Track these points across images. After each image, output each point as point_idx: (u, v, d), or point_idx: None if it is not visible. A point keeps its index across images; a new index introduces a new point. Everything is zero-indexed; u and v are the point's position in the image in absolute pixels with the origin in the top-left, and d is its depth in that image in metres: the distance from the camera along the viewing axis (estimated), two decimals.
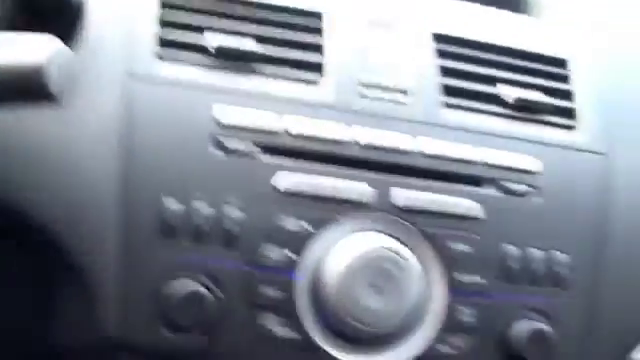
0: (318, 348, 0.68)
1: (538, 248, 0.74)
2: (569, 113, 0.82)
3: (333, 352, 0.69)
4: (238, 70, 0.74)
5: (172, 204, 0.68)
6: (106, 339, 0.68)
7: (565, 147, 0.79)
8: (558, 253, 0.74)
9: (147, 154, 0.70)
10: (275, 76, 0.74)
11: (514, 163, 0.76)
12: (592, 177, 0.79)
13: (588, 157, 0.79)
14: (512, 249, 0.73)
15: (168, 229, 0.68)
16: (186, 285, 0.67)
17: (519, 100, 0.79)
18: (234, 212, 0.69)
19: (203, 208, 0.68)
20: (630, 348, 0.80)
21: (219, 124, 0.71)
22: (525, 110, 0.79)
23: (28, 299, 0.78)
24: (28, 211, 0.68)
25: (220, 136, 0.70)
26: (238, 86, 0.73)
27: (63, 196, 0.69)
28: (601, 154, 0.80)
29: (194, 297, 0.66)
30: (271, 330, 0.68)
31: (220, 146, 0.70)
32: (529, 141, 0.77)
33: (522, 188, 0.75)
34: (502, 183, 0.75)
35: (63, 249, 0.69)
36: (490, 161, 0.75)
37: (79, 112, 0.70)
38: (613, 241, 0.77)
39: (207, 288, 0.67)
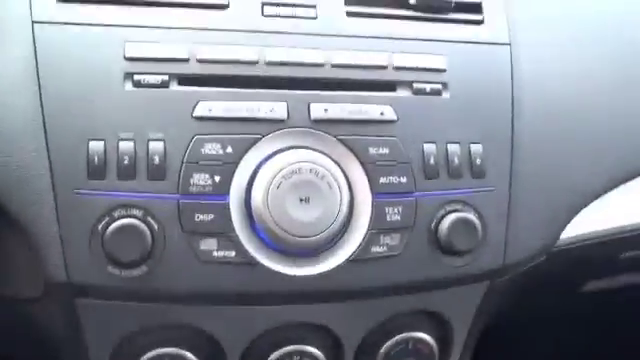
0: (256, 263, 0.72)
1: (453, 142, 0.77)
2: (476, 8, 0.84)
3: (271, 266, 0.72)
4: (143, 5, 0.74)
5: (95, 145, 0.70)
6: (56, 285, 0.70)
7: (471, 42, 0.81)
8: (472, 145, 0.78)
9: (63, 98, 0.71)
10: (181, 6, 0.75)
11: (422, 63, 0.78)
12: (497, 68, 0.82)
13: (493, 49, 0.82)
14: (429, 146, 0.76)
15: (95, 170, 0.69)
16: (121, 221, 0.69)
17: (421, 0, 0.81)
18: (157, 145, 0.70)
19: (126, 145, 0.70)
20: (550, 233, 0.84)
21: (130, 59, 0.72)
22: (429, 10, 0.81)
23: None
24: None
25: (133, 71, 0.71)
26: (145, 21, 0.74)
27: None
28: (505, 44, 0.83)
29: (130, 231, 0.68)
30: (210, 253, 0.71)
31: (134, 81, 0.71)
32: (434, 40, 0.80)
33: (432, 87, 0.78)
34: (413, 84, 0.77)
35: None
36: (398, 64, 0.77)
37: None
38: (521, 128, 0.81)
39: (142, 221, 0.69)
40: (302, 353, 0.78)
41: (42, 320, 0.78)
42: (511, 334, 1.22)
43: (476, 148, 0.78)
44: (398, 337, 0.81)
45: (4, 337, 0.91)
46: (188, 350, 0.76)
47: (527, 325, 1.25)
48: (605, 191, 0.87)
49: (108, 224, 0.69)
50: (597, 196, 0.86)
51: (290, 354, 0.78)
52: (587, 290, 1.01)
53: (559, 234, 0.84)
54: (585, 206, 0.86)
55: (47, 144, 0.70)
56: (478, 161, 0.78)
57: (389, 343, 0.81)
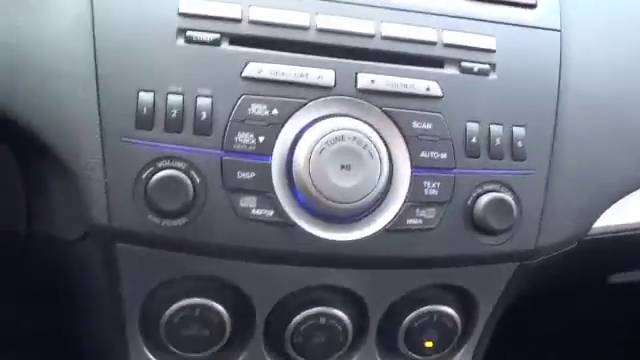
0: (293, 224, 0.73)
1: (496, 123, 0.77)
2: None
3: (307, 228, 0.73)
4: None
5: (144, 96, 0.71)
6: (96, 228, 0.73)
7: (521, 25, 0.81)
8: (515, 127, 0.78)
9: (116, 50, 0.72)
10: None
11: (471, 42, 0.78)
12: (546, 53, 0.81)
13: (543, 34, 0.82)
14: (472, 125, 0.77)
15: (142, 120, 0.71)
16: (165, 172, 0.70)
17: None
18: (205, 101, 0.72)
19: (175, 98, 0.71)
20: (584, 220, 0.84)
21: (184, 15, 0.73)
22: None
23: (19, 198, 0.81)
24: (9, 112, 0.71)
25: (185, 27, 0.72)
26: None
27: (42, 96, 0.72)
28: (556, 30, 0.82)
29: (173, 182, 0.70)
30: (249, 210, 0.72)
31: (186, 37, 0.72)
32: (486, 20, 0.80)
33: (480, 67, 0.78)
34: (461, 63, 0.78)
35: (45, 147, 0.72)
36: (448, 41, 0.77)
37: (49, 16, 0.72)
38: (565, 115, 0.81)
39: (185, 174, 0.71)
40: (328, 315, 0.80)
41: (80, 263, 0.80)
42: (530, 319, 1.23)
43: (519, 131, 0.78)
44: (423, 309, 0.82)
45: (40, 281, 0.94)
46: (219, 303, 0.78)
47: (547, 312, 1.26)
48: None
49: (152, 174, 0.70)
50: (635, 188, 0.86)
51: (317, 315, 0.80)
52: (614, 282, 1.01)
53: (593, 222, 0.84)
54: (621, 197, 0.86)
55: (98, 92, 0.71)
56: (520, 144, 0.78)
57: (414, 314, 0.82)
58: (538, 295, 0.94)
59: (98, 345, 0.88)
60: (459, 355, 0.88)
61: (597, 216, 0.85)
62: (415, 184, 0.75)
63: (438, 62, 0.78)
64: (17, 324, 1.17)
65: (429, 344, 0.84)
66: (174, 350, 0.79)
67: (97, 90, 0.71)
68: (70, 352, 1.02)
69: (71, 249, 0.79)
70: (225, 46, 0.73)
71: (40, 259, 0.86)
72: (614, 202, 0.86)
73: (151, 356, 0.82)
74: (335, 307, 0.80)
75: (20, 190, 0.80)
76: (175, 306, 0.77)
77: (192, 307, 0.78)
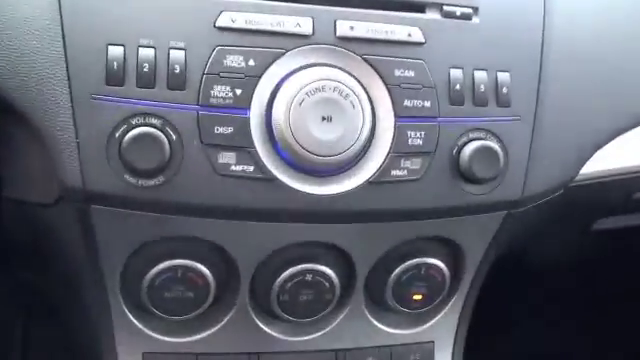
0: (274, 179, 0.71)
1: (480, 69, 0.75)
2: None
3: (289, 183, 0.71)
4: None
5: (114, 50, 0.68)
6: (70, 192, 0.70)
7: None
8: (499, 73, 0.76)
9: (82, 2, 0.69)
10: None
11: None
12: None
13: None
14: (455, 72, 0.75)
15: (113, 76, 0.68)
16: (139, 129, 0.68)
17: None
18: (178, 53, 0.69)
19: (146, 52, 0.68)
20: (570, 167, 0.83)
21: None
22: None
23: None
24: None
25: None
26: None
27: (6, 54, 0.68)
28: None
29: (148, 139, 0.67)
30: (228, 166, 0.70)
31: None
32: None
33: (462, 10, 0.76)
34: (442, 7, 0.75)
35: (12, 107, 0.69)
36: None
37: None
38: (550, 60, 0.79)
39: (160, 131, 0.68)
40: (315, 272, 0.78)
41: (56, 227, 0.77)
42: (518, 279, 1.23)
43: (503, 76, 0.76)
44: (411, 262, 0.81)
45: (19, 247, 0.92)
46: (202, 263, 0.76)
47: (535, 269, 1.26)
48: (626, 130, 0.86)
49: (126, 132, 0.68)
50: (618, 134, 0.85)
51: (303, 272, 0.78)
52: (598, 229, 1.01)
53: (579, 169, 0.83)
54: (606, 143, 0.85)
55: (65, 48, 0.68)
56: (504, 90, 0.76)
57: (401, 267, 0.81)
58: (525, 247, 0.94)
59: (80, 311, 0.85)
60: (447, 308, 0.88)
61: (583, 162, 0.84)
62: (399, 134, 0.73)
63: (419, 7, 0.75)
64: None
65: (417, 297, 0.83)
66: (158, 313, 0.78)
67: (64, 45, 0.68)
68: (54, 318, 1.01)
69: (45, 214, 0.76)
70: None
71: (14, 224, 0.83)
72: (600, 148, 0.85)
73: (134, 320, 0.80)
74: (321, 263, 0.79)
75: None
76: (156, 268, 0.75)
77: (174, 269, 0.76)
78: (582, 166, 0.84)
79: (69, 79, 0.68)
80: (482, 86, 0.75)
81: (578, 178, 0.84)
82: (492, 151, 0.75)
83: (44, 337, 1.20)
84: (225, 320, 0.81)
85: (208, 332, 0.81)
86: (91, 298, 0.80)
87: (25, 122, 0.69)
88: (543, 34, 0.79)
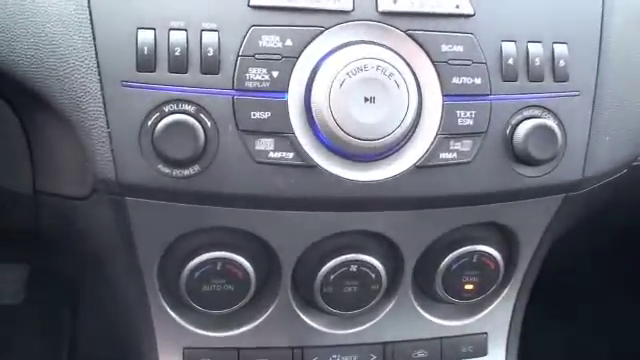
0: (315, 166, 0.67)
1: (534, 41, 0.70)
2: None
3: (331, 169, 0.68)
4: None
5: (144, 34, 0.65)
6: (103, 184, 0.68)
7: None
8: (555, 45, 0.71)
9: None
10: None
11: None
12: None
13: None
14: (507, 45, 0.70)
15: (144, 61, 0.65)
16: (172, 117, 0.65)
17: None
18: (211, 36, 0.65)
19: (177, 35, 0.65)
20: (633, 145, 0.77)
21: None
22: None
23: (22, 155, 0.76)
24: (3, 62, 0.66)
25: None
26: None
27: (36, 43, 0.66)
28: None
29: (182, 127, 0.64)
30: (266, 153, 0.66)
31: None
32: None
33: None
34: None
35: (43, 97, 0.67)
36: None
37: None
38: (610, 31, 0.74)
39: (194, 118, 0.65)
40: (360, 262, 0.75)
41: (91, 220, 0.75)
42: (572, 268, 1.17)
43: (560, 48, 0.71)
44: (462, 250, 0.77)
45: (56, 241, 0.91)
46: (241, 255, 0.73)
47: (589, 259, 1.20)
48: None
49: (158, 119, 0.65)
50: None
51: (347, 263, 0.74)
52: None
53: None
54: None
55: (94, 33, 0.65)
56: (562, 63, 0.71)
57: (452, 256, 0.77)
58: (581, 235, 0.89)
59: (121, 306, 0.84)
60: (501, 298, 0.83)
61: None
62: (447, 114, 0.68)
63: None
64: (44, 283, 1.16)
65: (469, 287, 0.79)
66: (198, 308, 0.75)
67: (92, 31, 0.65)
68: (99, 314, 1.00)
69: (80, 207, 0.74)
70: None
71: (50, 218, 0.82)
72: None
73: (174, 315, 0.78)
74: (366, 253, 0.75)
75: (22, 147, 0.75)
76: (194, 261, 0.73)
77: (213, 261, 0.73)
78: None
79: (98, 66, 0.65)
80: (537, 60, 0.70)
81: None
82: (549, 130, 0.70)
83: (91, 333, 1.21)
84: (267, 313, 0.78)
85: (250, 326, 0.78)
86: (129, 293, 0.78)
87: (55, 112, 0.67)
88: (603, 3, 0.73)
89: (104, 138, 0.66)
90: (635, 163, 0.78)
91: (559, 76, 0.71)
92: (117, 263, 0.77)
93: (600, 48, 0.73)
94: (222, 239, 0.73)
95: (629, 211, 0.93)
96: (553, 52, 0.71)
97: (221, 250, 0.73)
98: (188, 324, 0.78)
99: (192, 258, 0.73)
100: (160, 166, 0.66)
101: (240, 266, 0.73)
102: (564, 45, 0.71)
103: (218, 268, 0.73)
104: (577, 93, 0.72)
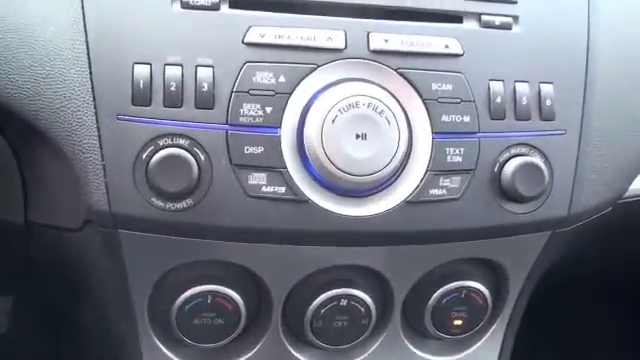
0: (307, 201, 0.68)
1: (522, 81, 0.72)
2: None
3: (323, 204, 0.68)
4: None
5: (140, 69, 0.66)
6: (96, 215, 0.68)
7: None
8: (542, 84, 0.72)
9: (107, 19, 0.67)
10: None
11: None
12: (574, 3, 0.76)
13: None
14: (495, 84, 0.71)
15: (139, 95, 0.66)
16: (167, 150, 0.65)
17: None
18: (206, 71, 0.66)
19: (173, 70, 0.66)
20: (619, 183, 0.79)
21: None
22: None
23: (15, 186, 0.76)
24: (6, 101, 0.66)
25: None
26: None
27: (33, 76, 0.67)
28: None
29: (176, 161, 0.65)
30: (259, 187, 0.67)
31: (182, 2, 0.67)
32: None
33: (502, 20, 0.72)
34: (481, 16, 0.72)
35: (38, 129, 0.67)
36: None
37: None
38: (595, 70, 0.75)
39: (188, 152, 0.66)
40: (350, 297, 0.75)
41: (83, 252, 0.75)
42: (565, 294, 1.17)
43: (547, 88, 0.72)
44: (451, 285, 0.77)
45: (46, 272, 0.90)
46: (232, 289, 0.73)
47: (581, 285, 1.21)
48: None
49: (153, 153, 0.65)
50: None
51: (337, 297, 0.75)
52: None
53: (628, 185, 0.79)
54: None
55: (90, 67, 0.66)
56: (548, 102, 0.72)
57: (441, 291, 0.77)
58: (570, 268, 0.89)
59: (109, 339, 0.83)
60: (489, 333, 0.84)
61: (633, 178, 0.79)
62: (437, 151, 0.69)
63: (456, 17, 0.72)
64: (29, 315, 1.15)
65: (458, 322, 0.79)
66: (187, 341, 0.75)
67: (89, 65, 0.66)
68: (85, 344, 0.99)
69: (72, 239, 0.74)
70: (225, 10, 0.68)
71: (42, 249, 0.82)
72: None
73: (164, 348, 0.77)
74: (356, 288, 0.75)
75: (15, 177, 0.76)
76: (185, 294, 0.73)
77: (204, 294, 0.73)
78: (632, 181, 0.79)
79: (94, 99, 0.66)
80: (524, 99, 0.72)
81: (627, 194, 0.80)
82: (536, 167, 0.71)
83: None
84: (257, 348, 0.78)
85: None
86: (119, 326, 0.77)
87: (50, 144, 0.68)
88: (588, 42, 0.75)
89: (98, 170, 0.66)
90: (620, 201, 0.79)
91: (546, 115, 0.72)
92: (107, 295, 0.77)
93: (585, 87, 0.75)
94: (213, 272, 0.73)
95: (614, 246, 0.94)
96: (540, 91, 0.72)
97: (212, 283, 0.73)
98: (177, 358, 0.78)
99: (183, 291, 0.73)
100: (154, 199, 0.66)
101: (231, 299, 0.73)
102: (550, 85, 0.72)
103: (209, 301, 0.73)
104: (563, 132, 0.73)
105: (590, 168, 0.75)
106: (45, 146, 0.68)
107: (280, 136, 0.67)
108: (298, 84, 0.67)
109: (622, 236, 0.89)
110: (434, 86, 0.70)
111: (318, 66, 0.68)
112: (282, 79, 0.67)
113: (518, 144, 0.72)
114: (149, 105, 0.66)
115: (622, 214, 0.80)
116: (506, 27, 0.72)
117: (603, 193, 0.77)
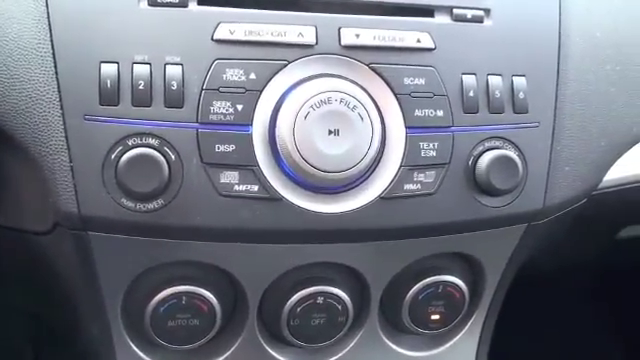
0: (280, 199, 0.67)
1: (494, 74, 0.71)
2: None
3: (296, 202, 0.67)
4: None
5: (107, 68, 0.65)
6: (66, 218, 0.66)
7: None
8: (515, 77, 0.72)
9: (73, 18, 0.65)
10: None
11: None
12: None
13: None
14: (468, 78, 0.71)
15: (107, 95, 0.64)
16: (136, 150, 0.64)
17: None
18: (175, 69, 0.65)
19: (141, 68, 0.65)
20: (593, 174, 0.79)
21: None
22: None
23: None
24: None
25: None
26: None
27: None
28: None
29: (145, 161, 0.64)
30: (231, 186, 0.66)
31: None
32: None
33: (473, 13, 0.72)
34: (453, 10, 0.71)
35: (3, 132, 0.65)
36: None
37: None
38: (567, 62, 0.75)
39: (158, 151, 0.64)
40: (326, 294, 0.74)
41: (53, 256, 0.74)
42: (541, 285, 1.18)
43: (519, 81, 0.72)
44: (427, 280, 0.77)
45: (17, 277, 0.89)
46: (207, 289, 0.72)
47: (558, 276, 1.21)
48: None
49: (122, 153, 0.64)
50: None
51: (314, 295, 0.74)
52: (623, 237, 0.96)
53: (602, 176, 0.79)
54: (629, 148, 0.80)
55: (56, 67, 0.65)
56: (521, 95, 0.72)
57: (418, 286, 0.77)
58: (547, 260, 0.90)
59: (83, 342, 0.82)
60: (467, 327, 0.84)
61: (606, 169, 0.79)
62: (411, 146, 0.69)
63: (428, 11, 0.71)
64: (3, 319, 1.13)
65: (435, 317, 0.79)
66: (162, 343, 0.74)
67: (54, 64, 0.65)
68: (61, 348, 0.98)
69: (41, 242, 0.72)
70: (193, 6, 0.67)
71: (9, 253, 0.80)
72: (623, 154, 0.80)
73: (138, 351, 0.76)
74: (333, 285, 0.75)
75: None
76: (159, 296, 0.72)
77: (178, 295, 0.72)
78: (605, 173, 0.80)
79: (61, 100, 0.65)
80: (497, 92, 0.71)
81: (601, 185, 0.80)
82: (510, 160, 0.71)
83: None
84: (233, 348, 0.77)
85: None
86: (92, 329, 0.76)
87: (17, 146, 0.66)
88: (560, 35, 0.75)
89: (66, 172, 0.65)
90: (594, 192, 0.80)
91: (519, 108, 0.72)
92: (80, 299, 0.75)
93: (558, 79, 0.75)
94: (187, 273, 0.72)
95: (588, 236, 0.95)
96: (512, 84, 0.72)
97: (186, 284, 0.72)
98: None
99: (157, 293, 0.71)
100: (123, 200, 0.65)
101: (206, 300, 0.72)
102: (523, 77, 0.72)
103: (183, 302, 0.72)
104: (537, 124, 0.73)
105: (564, 160, 0.75)
106: (11, 148, 0.67)
107: (252, 134, 0.66)
108: (269, 81, 0.67)
109: (596, 227, 0.90)
110: (406, 81, 0.69)
111: (289, 62, 0.67)
112: (253, 76, 0.66)
113: (492, 137, 0.71)
114: (117, 105, 0.64)
115: (596, 205, 0.80)
116: (478, 20, 0.72)
117: (577, 185, 0.77)
